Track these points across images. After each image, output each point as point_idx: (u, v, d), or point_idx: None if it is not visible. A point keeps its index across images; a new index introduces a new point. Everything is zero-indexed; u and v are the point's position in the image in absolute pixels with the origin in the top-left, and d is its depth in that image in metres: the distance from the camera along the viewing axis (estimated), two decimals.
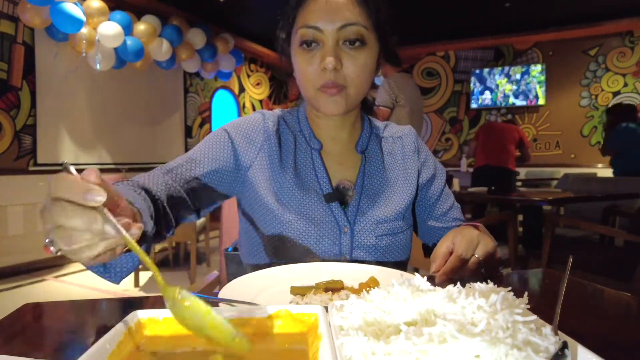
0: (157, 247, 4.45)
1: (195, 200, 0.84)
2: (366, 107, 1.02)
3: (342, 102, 0.83)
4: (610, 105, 4.45)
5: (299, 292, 0.66)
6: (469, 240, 0.72)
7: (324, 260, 0.84)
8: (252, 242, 0.92)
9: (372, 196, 0.89)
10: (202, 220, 3.65)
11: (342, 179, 0.90)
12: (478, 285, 0.45)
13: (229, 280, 0.71)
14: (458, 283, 0.48)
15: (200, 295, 0.46)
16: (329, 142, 0.93)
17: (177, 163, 0.83)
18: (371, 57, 0.83)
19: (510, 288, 0.44)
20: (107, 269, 0.62)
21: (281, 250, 0.85)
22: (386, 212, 0.88)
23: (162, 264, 4.11)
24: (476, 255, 0.71)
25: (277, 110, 0.98)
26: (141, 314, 0.48)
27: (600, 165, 6.13)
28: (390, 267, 0.77)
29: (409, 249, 0.94)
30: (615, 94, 6.07)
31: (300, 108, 0.97)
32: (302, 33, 0.81)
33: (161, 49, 4.72)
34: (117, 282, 0.63)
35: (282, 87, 7.90)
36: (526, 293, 0.44)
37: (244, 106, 7.03)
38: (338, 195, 0.88)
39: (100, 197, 0.39)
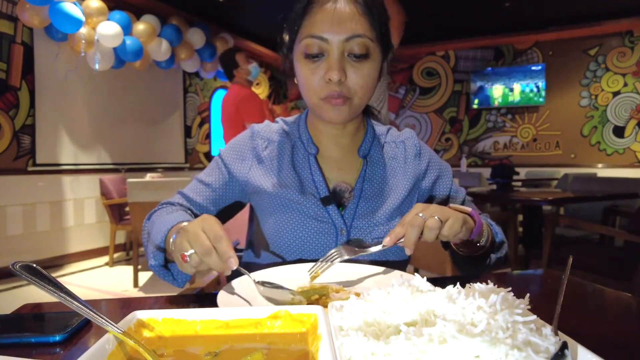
0: None
1: (218, 212, 0.95)
2: (369, 113, 1.03)
3: (346, 111, 0.84)
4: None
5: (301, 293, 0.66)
6: (426, 206, 0.72)
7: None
8: (256, 243, 0.96)
9: (371, 200, 0.90)
10: None
11: (339, 182, 0.91)
12: (478, 286, 0.45)
13: (229, 280, 0.71)
14: (458, 283, 0.48)
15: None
16: (330, 147, 0.94)
17: (193, 186, 0.95)
18: (375, 69, 0.84)
19: (510, 288, 0.44)
20: (175, 277, 0.79)
21: (280, 252, 0.88)
22: (383, 214, 0.89)
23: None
24: (436, 217, 0.69)
25: (279, 120, 1.00)
26: (140, 314, 0.48)
27: (600, 165, 6.13)
28: (389, 267, 0.78)
29: None
30: (615, 94, 6.07)
31: (302, 115, 0.99)
32: (307, 43, 0.81)
33: (160, 49, 4.72)
34: (182, 286, 0.81)
35: (282, 87, 7.90)
36: (527, 295, 0.43)
37: None
38: (335, 198, 0.89)
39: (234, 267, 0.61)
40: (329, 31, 0.79)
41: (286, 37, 0.89)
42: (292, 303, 0.63)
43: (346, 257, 0.73)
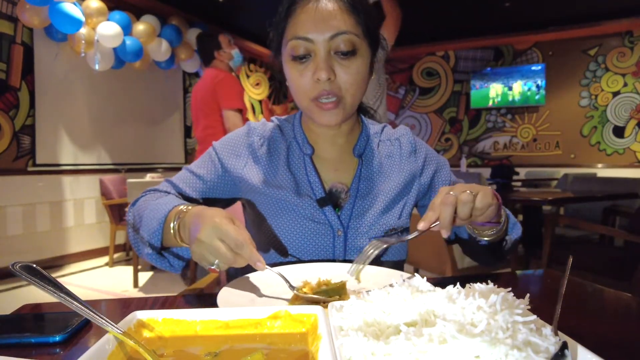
0: None
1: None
2: (364, 110, 1.02)
3: (340, 113, 0.83)
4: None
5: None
6: (451, 187, 0.71)
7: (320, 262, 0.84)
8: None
9: (367, 199, 0.89)
10: None
11: (335, 183, 0.91)
12: (478, 286, 0.45)
13: (229, 280, 0.71)
14: (458, 283, 0.48)
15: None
16: (325, 147, 0.93)
17: (183, 176, 0.92)
18: (364, 65, 0.83)
19: (510, 288, 0.44)
20: (171, 264, 0.80)
21: (276, 253, 0.87)
22: (380, 214, 0.88)
23: None
24: (467, 191, 0.68)
25: (274, 119, 0.99)
26: (140, 315, 0.48)
27: (600, 165, 6.13)
28: (386, 267, 0.77)
29: (405, 250, 0.94)
30: (615, 94, 6.07)
31: (297, 114, 0.98)
32: (293, 45, 0.80)
33: (160, 49, 4.72)
34: (179, 271, 0.82)
35: (282, 87, 7.90)
36: (527, 295, 0.43)
37: None
38: (331, 199, 0.88)
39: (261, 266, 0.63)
40: (313, 31, 0.78)
41: (274, 41, 0.88)
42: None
43: (384, 246, 0.73)
